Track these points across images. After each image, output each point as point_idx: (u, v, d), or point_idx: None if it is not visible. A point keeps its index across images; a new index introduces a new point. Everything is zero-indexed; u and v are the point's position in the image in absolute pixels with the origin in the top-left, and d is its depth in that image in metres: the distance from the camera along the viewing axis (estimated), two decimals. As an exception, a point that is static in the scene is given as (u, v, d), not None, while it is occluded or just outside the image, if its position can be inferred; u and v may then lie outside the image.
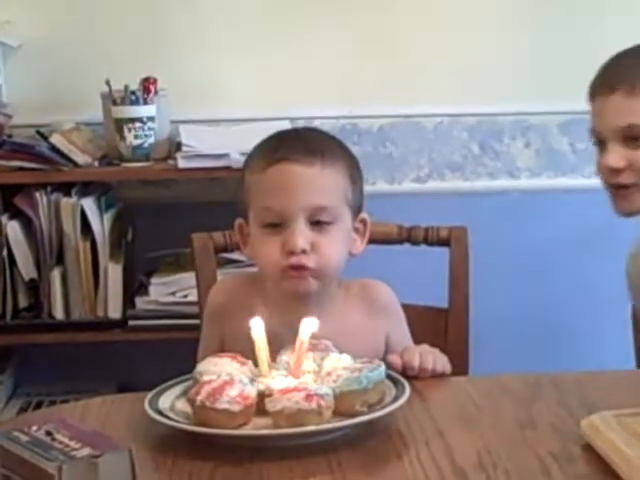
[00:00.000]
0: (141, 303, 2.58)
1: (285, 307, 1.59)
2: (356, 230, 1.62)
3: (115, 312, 2.56)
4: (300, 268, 1.54)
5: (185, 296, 2.56)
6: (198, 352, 1.70)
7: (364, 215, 1.64)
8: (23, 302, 2.54)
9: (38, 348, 2.67)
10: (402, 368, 1.55)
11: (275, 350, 1.46)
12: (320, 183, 1.55)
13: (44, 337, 2.53)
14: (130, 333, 2.56)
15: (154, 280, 2.59)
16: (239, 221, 1.64)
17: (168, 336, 2.54)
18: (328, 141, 1.62)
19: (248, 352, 1.44)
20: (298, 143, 1.58)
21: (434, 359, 1.58)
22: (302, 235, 1.53)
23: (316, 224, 1.54)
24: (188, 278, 2.44)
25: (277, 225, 1.55)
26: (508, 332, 2.88)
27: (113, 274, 2.55)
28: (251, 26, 2.80)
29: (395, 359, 1.56)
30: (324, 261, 1.55)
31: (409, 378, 1.49)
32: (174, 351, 2.34)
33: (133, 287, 2.64)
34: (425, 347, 1.61)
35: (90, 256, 2.54)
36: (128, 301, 2.58)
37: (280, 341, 1.46)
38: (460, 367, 1.96)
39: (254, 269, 1.70)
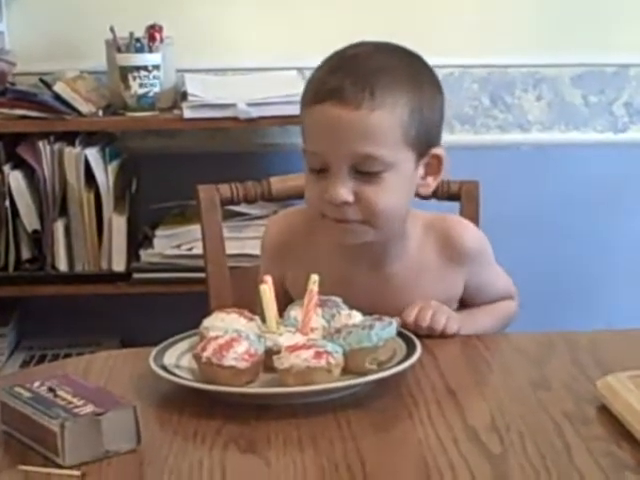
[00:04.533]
0: (145, 256, 2.55)
1: (342, 262, 1.50)
2: (427, 166, 1.46)
3: (119, 265, 2.53)
4: (343, 221, 1.42)
5: (190, 249, 2.53)
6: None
7: (438, 150, 1.45)
8: (26, 254, 2.51)
9: (41, 300, 2.65)
10: (407, 327, 1.48)
11: (349, 294, 1.40)
12: (368, 128, 1.37)
13: (47, 289, 2.50)
14: (134, 286, 2.53)
15: (159, 232, 2.56)
16: (303, 146, 1.48)
17: (173, 289, 2.52)
18: (388, 69, 1.40)
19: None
20: (349, 75, 1.38)
21: (446, 319, 1.52)
22: (343, 186, 1.39)
23: (364, 173, 1.39)
24: (193, 231, 2.41)
25: (321, 170, 1.42)
26: (519, 288, 2.85)
27: (117, 226, 2.52)
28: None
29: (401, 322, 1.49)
30: (371, 212, 1.41)
31: (418, 335, 1.46)
32: (179, 305, 2.32)
33: (137, 239, 2.61)
34: (434, 304, 1.53)
35: (94, 207, 2.51)
36: (132, 254, 2.54)
37: (348, 283, 1.40)
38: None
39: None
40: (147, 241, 2.59)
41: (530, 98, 2.85)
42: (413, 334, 1.43)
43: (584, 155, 2.84)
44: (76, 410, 1.14)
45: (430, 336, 1.51)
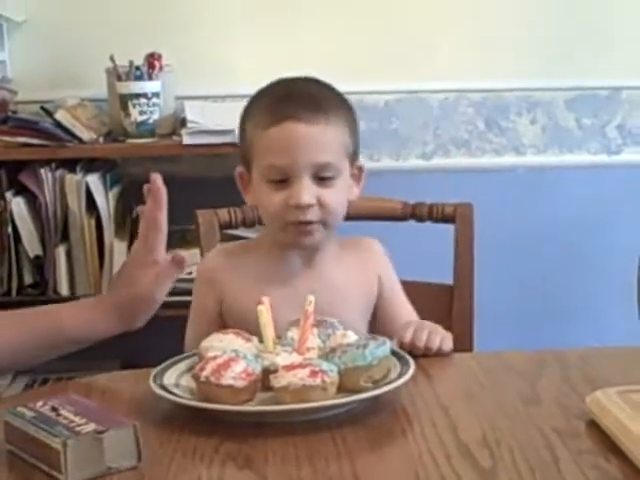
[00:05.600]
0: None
1: (280, 265, 1.65)
2: (352, 176, 1.66)
3: (121, 288, 2.55)
4: (307, 223, 1.58)
5: (190, 273, 2.53)
6: (189, 324, 1.75)
7: (360, 162, 1.68)
8: (28, 279, 2.55)
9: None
10: (404, 347, 1.54)
11: (289, 298, 1.53)
12: (324, 140, 1.57)
13: (49, 313, 2.52)
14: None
15: (159, 257, 2.58)
16: (239, 169, 1.67)
17: (173, 313, 2.50)
18: (330, 95, 1.64)
19: (247, 324, 1.46)
20: (302, 99, 1.59)
21: (441, 339, 1.58)
22: (308, 191, 1.56)
23: (320, 179, 1.58)
24: (194, 255, 2.43)
25: (282, 180, 1.58)
26: (513, 309, 2.89)
27: (118, 251, 2.55)
28: (256, 2, 2.79)
29: (398, 343, 1.56)
30: (329, 213, 1.59)
31: (414, 355, 1.49)
32: (179, 328, 2.34)
33: (139, 264, 2.63)
34: (429, 324, 1.60)
35: (95, 233, 2.54)
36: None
37: (277, 301, 1.48)
38: (465, 344, 1.97)
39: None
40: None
41: (524, 122, 2.89)
42: (408, 353, 1.47)
43: (578, 177, 2.88)
44: (78, 428, 1.17)
45: (425, 355, 1.54)
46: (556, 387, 1.42)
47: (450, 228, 2.03)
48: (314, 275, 1.66)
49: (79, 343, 1.51)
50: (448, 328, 1.77)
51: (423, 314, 1.72)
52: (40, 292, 2.55)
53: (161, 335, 2.54)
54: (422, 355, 1.54)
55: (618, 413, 1.22)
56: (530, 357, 1.56)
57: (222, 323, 1.67)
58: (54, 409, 1.23)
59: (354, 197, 1.67)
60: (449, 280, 2.02)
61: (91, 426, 1.18)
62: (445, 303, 2.03)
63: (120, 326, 1.49)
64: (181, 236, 2.64)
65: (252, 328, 1.45)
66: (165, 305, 2.50)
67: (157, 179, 1.47)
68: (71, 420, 1.20)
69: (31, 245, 2.52)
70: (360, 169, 1.68)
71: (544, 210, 2.88)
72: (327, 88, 1.66)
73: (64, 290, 2.54)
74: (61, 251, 2.53)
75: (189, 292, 2.45)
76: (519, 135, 2.89)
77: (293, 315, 1.46)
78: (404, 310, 1.72)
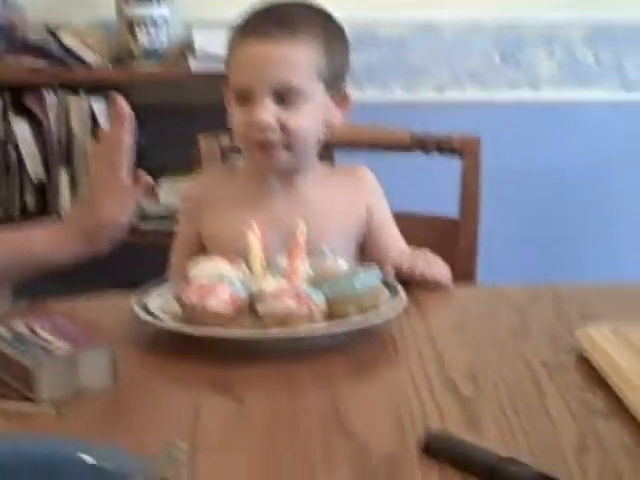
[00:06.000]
0: (151, 206, 2.55)
1: (260, 190, 1.62)
2: (336, 102, 1.60)
3: (124, 215, 2.53)
4: (266, 144, 1.55)
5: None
6: (172, 251, 1.72)
7: (344, 86, 1.61)
8: (31, 203, 2.53)
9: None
10: (399, 274, 1.51)
11: (267, 222, 1.50)
12: (287, 60, 1.53)
13: (52, 238, 2.51)
14: (138, 236, 2.52)
15: (164, 183, 2.56)
16: (225, 88, 1.64)
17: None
18: (304, 12, 1.58)
19: (230, 250, 1.43)
20: (271, 16, 1.55)
21: (439, 269, 1.55)
22: (266, 111, 1.52)
23: (283, 100, 1.53)
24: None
25: (247, 100, 1.55)
26: (520, 245, 2.85)
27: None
28: None
29: (390, 268, 1.52)
30: (290, 135, 1.55)
31: (410, 284, 1.46)
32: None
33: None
34: (427, 253, 1.57)
35: (100, 158, 2.51)
36: (137, 204, 2.54)
37: (265, 212, 1.51)
38: (468, 278, 1.94)
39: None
40: (152, 192, 2.58)
41: (541, 56, 2.82)
42: (399, 283, 1.44)
43: (594, 114, 2.83)
44: (53, 347, 1.16)
45: (420, 285, 1.51)
46: (548, 321, 1.39)
47: (458, 161, 1.98)
48: (296, 200, 1.62)
49: (46, 265, 1.48)
50: (452, 262, 1.74)
51: (428, 247, 1.67)
52: (43, 216, 2.52)
53: (166, 262, 2.53)
54: (417, 285, 1.51)
55: (608, 348, 1.19)
56: (526, 291, 1.53)
57: (203, 251, 1.63)
58: (31, 328, 1.21)
59: (338, 123, 1.61)
60: (457, 214, 1.98)
61: (67, 346, 1.16)
62: (450, 237, 1.99)
63: (87, 249, 1.47)
64: (187, 163, 2.61)
65: (235, 254, 1.42)
66: (171, 233, 2.51)
67: (119, 100, 1.44)
68: (47, 340, 1.18)
69: (34, 169, 2.50)
70: (344, 95, 1.62)
71: (558, 146, 2.83)
72: (307, 7, 1.60)
73: (67, 215, 2.51)
74: (64, 175, 2.50)
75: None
76: (535, 69, 2.83)
77: (274, 240, 1.44)
78: (394, 242, 1.67)
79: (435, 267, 1.54)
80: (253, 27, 1.54)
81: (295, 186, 1.63)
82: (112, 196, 1.43)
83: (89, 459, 0.83)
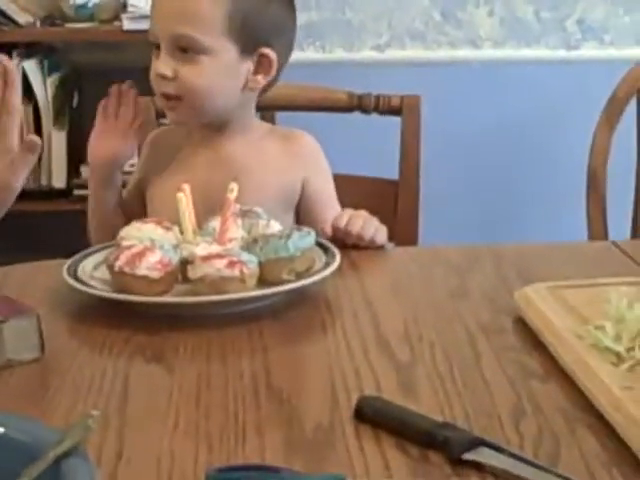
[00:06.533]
0: (86, 172, 2.50)
1: (190, 150, 1.61)
2: (257, 64, 1.55)
3: (59, 181, 2.48)
4: (166, 95, 1.53)
5: (132, 165, 2.47)
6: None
7: (266, 50, 1.54)
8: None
9: (-21, 217, 2.59)
10: (336, 233, 1.50)
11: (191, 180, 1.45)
12: (190, 11, 1.49)
13: (-16, 205, 2.45)
14: (75, 203, 2.48)
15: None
16: None
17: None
18: None
19: (164, 209, 1.41)
20: None
21: (375, 229, 1.52)
22: (164, 61, 1.50)
23: (183, 53, 1.50)
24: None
25: (158, 49, 1.52)
26: (462, 206, 2.84)
27: (57, 141, 2.47)
28: None
29: (326, 229, 1.50)
30: (186, 90, 1.51)
31: (344, 247, 1.43)
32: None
33: (79, 155, 2.55)
34: (364, 213, 1.54)
35: (33, 122, 2.45)
36: (73, 170, 2.50)
37: (189, 170, 1.49)
38: (409, 240, 1.92)
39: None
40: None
41: (482, 13, 2.80)
42: (336, 244, 1.41)
43: (535, 72, 2.80)
44: (-24, 318, 1.11)
45: (356, 246, 1.49)
46: (487, 282, 1.37)
47: (397, 121, 1.95)
48: (226, 161, 1.59)
49: None
50: (393, 225, 1.72)
51: (368, 210, 1.64)
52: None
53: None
54: (354, 247, 1.48)
55: (544, 308, 1.17)
56: (465, 252, 1.51)
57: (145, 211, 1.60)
58: (-47, 298, 1.17)
59: (257, 86, 1.57)
60: (397, 176, 1.96)
61: (-10, 316, 1.12)
62: (391, 199, 1.96)
63: None
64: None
65: (171, 218, 1.39)
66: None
67: (5, 60, 1.38)
68: (-31, 310, 1.14)
69: (-36, 133, 2.42)
70: (267, 58, 1.55)
71: (500, 105, 2.81)
72: None
73: None
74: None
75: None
76: (476, 28, 2.80)
77: (207, 202, 1.40)
78: (331, 212, 1.60)
79: (371, 227, 1.52)
80: None
81: (221, 147, 1.60)
82: (2, 160, 1.37)
83: (-1, 429, 0.79)
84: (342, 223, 1.50)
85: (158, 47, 1.52)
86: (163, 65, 1.50)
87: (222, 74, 1.53)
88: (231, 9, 1.50)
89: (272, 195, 1.58)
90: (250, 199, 1.45)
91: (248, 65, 1.54)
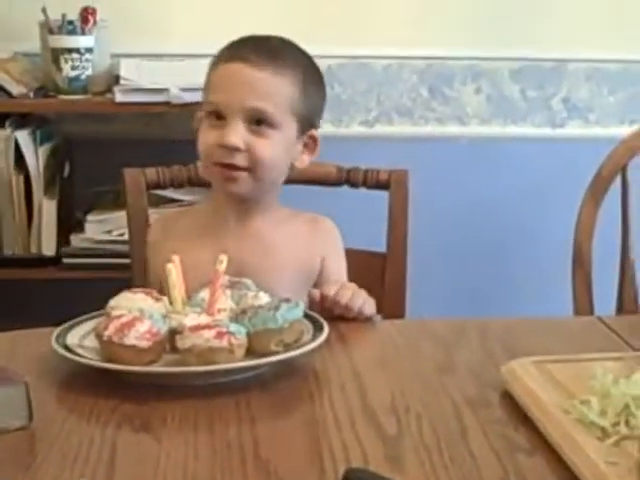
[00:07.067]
0: (76, 241, 2.51)
1: (213, 224, 1.63)
2: (305, 145, 1.63)
3: (49, 249, 2.49)
4: (231, 166, 1.55)
5: (122, 234, 2.49)
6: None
7: (314, 132, 1.63)
8: (-50, 232, 2.47)
9: (-31, 285, 2.60)
10: (325, 302, 1.52)
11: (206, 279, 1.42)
12: (266, 87, 1.54)
13: (-25, 273, 2.46)
14: (64, 271, 2.49)
15: (90, 217, 2.53)
16: (199, 114, 1.63)
17: (103, 275, 2.47)
18: (291, 50, 1.61)
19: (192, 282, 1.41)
20: (259, 46, 1.57)
21: (364, 300, 1.54)
22: (237, 133, 1.53)
23: (255, 126, 1.55)
24: (125, 216, 2.38)
25: (220, 120, 1.55)
26: (449, 280, 2.85)
27: (47, 210, 2.48)
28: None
29: (315, 292, 1.52)
30: (257, 161, 1.55)
31: (332, 319, 1.44)
32: (109, 290, 2.28)
33: (69, 224, 2.57)
34: (353, 285, 1.56)
35: (24, 191, 2.46)
36: (63, 238, 2.51)
37: (206, 260, 1.44)
38: (397, 313, 1.93)
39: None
40: (79, 226, 2.55)
41: (469, 91, 2.84)
42: (323, 313, 1.42)
43: (521, 150, 2.84)
44: (-36, 385, 1.12)
45: (343, 318, 1.50)
46: (474, 356, 1.38)
47: (385, 195, 1.98)
48: (252, 237, 1.62)
49: None
50: (381, 297, 1.73)
51: (356, 283, 1.66)
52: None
53: (93, 297, 2.48)
54: (341, 317, 1.50)
55: (530, 382, 1.18)
56: (452, 325, 1.52)
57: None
58: (-58, 365, 1.17)
59: (302, 165, 1.64)
60: (384, 248, 1.97)
61: (-22, 383, 1.12)
62: (378, 272, 1.98)
63: None
64: (114, 197, 2.58)
65: (189, 291, 1.40)
66: (96, 267, 2.48)
67: None
68: (-42, 377, 1.14)
69: (-45, 199, 2.44)
70: (314, 139, 1.64)
71: (486, 181, 2.84)
72: (291, 46, 1.63)
73: (-10, 248, 2.46)
74: (-14, 205, 2.45)
75: (121, 254, 2.42)
76: (463, 105, 2.84)
77: (233, 275, 1.42)
78: None
79: (359, 299, 1.54)
80: (237, 52, 1.56)
81: (252, 223, 1.63)
82: None
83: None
84: (331, 292, 1.53)
85: (217, 117, 1.55)
86: (234, 136, 1.53)
87: (285, 150, 1.59)
88: (300, 88, 1.57)
89: (295, 272, 1.62)
90: (274, 276, 1.51)
91: (300, 144, 1.62)
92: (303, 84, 1.58)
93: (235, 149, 1.53)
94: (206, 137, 1.57)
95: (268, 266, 1.57)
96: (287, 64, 1.56)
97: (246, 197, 1.60)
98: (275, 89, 1.55)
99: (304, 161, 1.64)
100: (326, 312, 1.47)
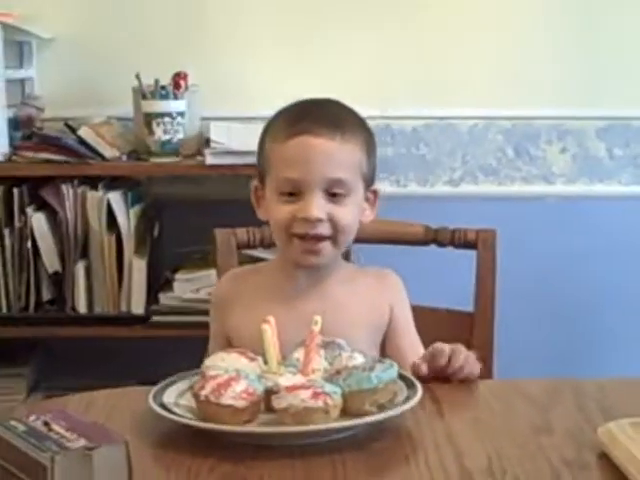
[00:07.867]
0: (165, 299, 2.56)
1: (287, 285, 1.65)
2: (367, 199, 1.66)
3: (138, 307, 2.54)
4: (315, 237, 1.58)
5: (209, 293, 2.53)
6: (208, 348, 1.68)
7: (376, 186, 1.67)
8: (46, 295, 2.53)
9: (60, 342, 2.66)
10: (444, 373, 1.51)
11: (281, 339, 1.43)
12: (339, 157, 1.58)
13: (66, 331, 2.52)
14: (152, 329, 2.53)
15: (178, 276, 2.57)
16: (255, 183, 1.67)
17: (191, 333, 2.50)
18: (349, 115, 1.64)
19: (253, 344, 1.42)
20: (321, 116, 1.59)
21: (473, 362, 1.54)
22: (318, 205, 1.56)
23: (332, 195, 1.58)
24: (213, 275, 2.41)
25: (293, 194, 1.58)
26: (537, 339, 2.83)
27: (137, 269, 2.53)
28: (285, 24, 2.78)
29: (420, 364, 1.51)
30: (339, 230, 1.58)
31: (425, 379, 1.45)
32: (197, 348, 2.31)
33: (158, 283, 2.62)
34: (463, 349, 1.55)
35: (115, 250, 2.53)
36: (152, 297, 2.55)
37: (282, 321, 1.45)
38: (485, 372, 1.91)
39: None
40: (167, 285, 2.60)
41: (555, 150, 2.84)
42: (417, 377, 1.43)
43: (608, 208, 2.83)
44: (68, 444, 1.14)
45: (437, 378, 1.50)
46: (570, 417, 1.37)
47: (473, 254, 1.98)
48: (322, 295, 1.64)
49: None
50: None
51: (443, 342, 1.66)
52: (58, 308, 2.53)
53: (180, 355, 2.52)
54: (433, 379, 1.49)
55: (629, 444, 1.17)
56: (545, 385, 1.51)
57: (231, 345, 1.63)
58: (46, 424, 1.19)
59: (367, 220, 1.67)
60: (471, 307, 1.97)
61: (81, 442, 1.14)
62: (466, 331, 1.98)
63: None
64: (202, 257, 2.62)
65: (257, 349, 1.42)
66: (184, 325, 2.51)
67: None
68: (62, 435, 1.16)
69: (50, 261, 2.50)
70: (375, 193, 1.67)
71: (573, 240, 2.83)
72: (346, 109, 1.66)
73: (82, 307, 2.52)
74: (80, 267, 2.51)
75: (206, 312, 2.45)
76: (549, 164, 2.84)
77: (299, 336, 1.43)
78: (412, 347, 1.66)
79: (473, 363, 1.54)
80: (302, 125, 1.57)
81: (322, 283, 1.65)
82: None
83: None
84: (445, 358, 1.51)
85: (289, 191, 1.57)
86: (316, 210, 1.55)
87: (358, 212, 1.63)
88: (364, 150, 1.61)
89: (364, 329, 1.64)
90: (347, 333, 1.51)
91: (365, 202, 1.65)
92: (367, 145, 1.63)
93: (319, 221, 1.57)
94: (282, 211, 1.58)
95: (340, 324, 1.56)
96: (350, 130, 1.59)
97: (325, 265, 1.63)
98: (347, 157, 1.59)
99: (368, 216, 1.67)
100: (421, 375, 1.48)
